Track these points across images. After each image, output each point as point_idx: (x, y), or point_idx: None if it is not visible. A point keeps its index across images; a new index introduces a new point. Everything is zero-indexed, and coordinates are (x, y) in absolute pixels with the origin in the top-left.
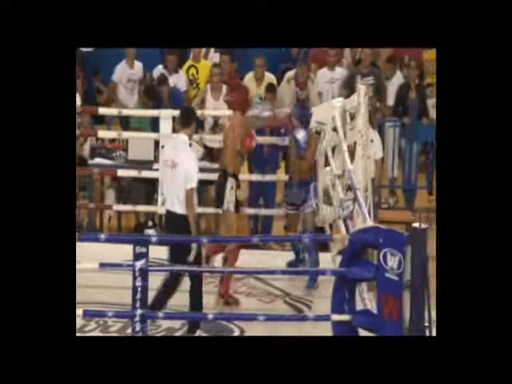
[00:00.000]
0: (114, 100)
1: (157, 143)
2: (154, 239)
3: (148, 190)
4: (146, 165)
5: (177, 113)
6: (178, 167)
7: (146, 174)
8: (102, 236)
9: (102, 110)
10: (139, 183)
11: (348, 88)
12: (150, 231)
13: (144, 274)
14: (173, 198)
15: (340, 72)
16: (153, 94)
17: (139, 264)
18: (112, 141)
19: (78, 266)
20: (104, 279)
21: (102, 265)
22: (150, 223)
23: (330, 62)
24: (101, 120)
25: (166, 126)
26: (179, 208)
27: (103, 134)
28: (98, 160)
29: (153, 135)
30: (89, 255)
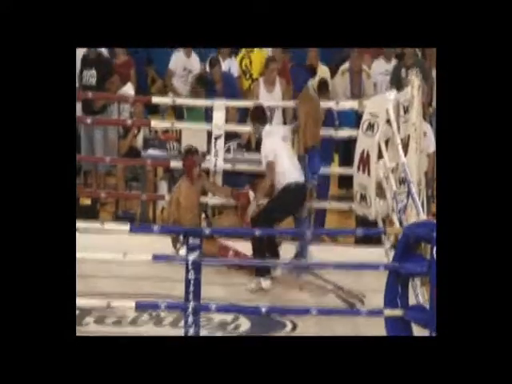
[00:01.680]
0: (169, 90)
1: (210, 134)
2: (207, 231)
3: None
4: None
5: (231, 103)
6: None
7: None
8: (155, 227)
9: (156, 99)
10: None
11: (394, 81)
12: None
13: (197, 266)
14: (296, 169)
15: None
16: (205, 81)
17: (192, 256)
18: (165, 131)
19: (130, 258)
20: (157, 271)
21: (156, 257)
22: (203, 215)
23: (387, 52)
24: (154, 110)
25: (219, 116)
26: (299, 176)
27: (156, 124)
28: (151, 151)
29: (206, 126)
30: (142, 247)
